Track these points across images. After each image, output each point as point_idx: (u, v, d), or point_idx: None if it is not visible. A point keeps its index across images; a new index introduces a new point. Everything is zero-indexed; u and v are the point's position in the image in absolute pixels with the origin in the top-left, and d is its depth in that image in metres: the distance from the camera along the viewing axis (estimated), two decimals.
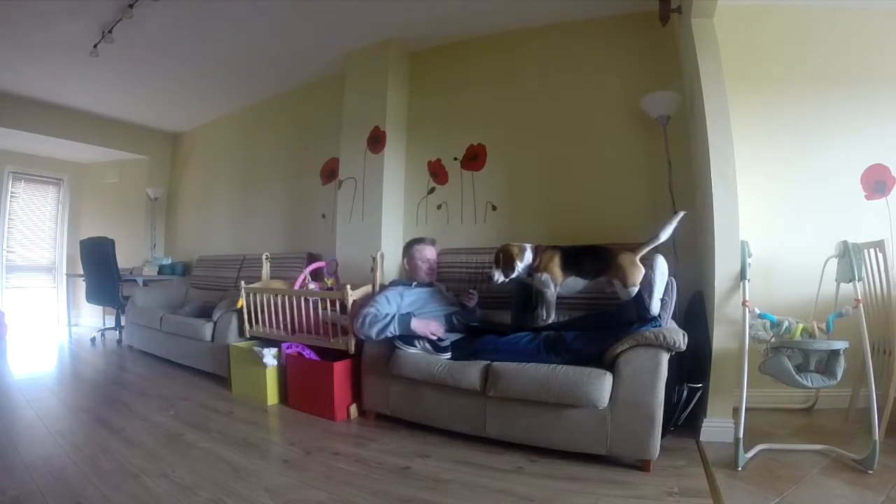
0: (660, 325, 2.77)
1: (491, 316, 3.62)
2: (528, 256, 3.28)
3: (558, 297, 3.26)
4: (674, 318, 3.00)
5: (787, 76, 3.61)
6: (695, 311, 3.18)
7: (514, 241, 3.43)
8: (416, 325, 3.15)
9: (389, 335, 3.15)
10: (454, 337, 3.29)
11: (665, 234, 3.10)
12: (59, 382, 4.19)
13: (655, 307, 2.80)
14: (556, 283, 3.21)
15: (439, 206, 4.45)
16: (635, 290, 2.96)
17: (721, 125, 3.09)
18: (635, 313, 2.84)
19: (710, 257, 3.07)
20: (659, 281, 2.80)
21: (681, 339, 2.67)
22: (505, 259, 3.26)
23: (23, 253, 7.24)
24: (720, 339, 3.02)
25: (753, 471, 2.63)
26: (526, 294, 3.36)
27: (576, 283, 3.22)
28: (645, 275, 2.88)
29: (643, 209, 3.72)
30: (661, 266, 2.82)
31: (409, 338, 3.15)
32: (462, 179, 4.40)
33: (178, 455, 2.82)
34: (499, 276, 3.27)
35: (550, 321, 3.19)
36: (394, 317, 3.17)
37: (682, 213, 3.14)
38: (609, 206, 3.85)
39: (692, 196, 3.53)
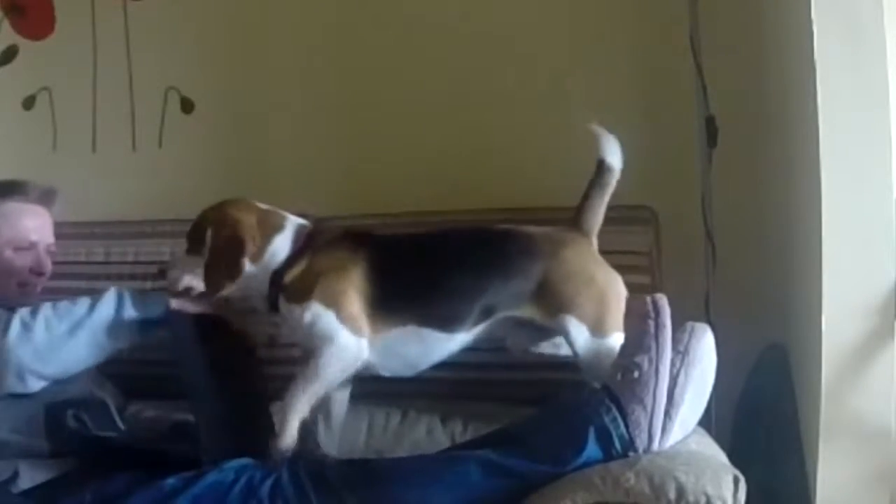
0: (649, 448, 1.18)
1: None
2: (284, 244, 1.31)
3: (371, 376, 1.33)
4: (704, 425, 1.36)
5: None
6: (763, 398, 1.59)
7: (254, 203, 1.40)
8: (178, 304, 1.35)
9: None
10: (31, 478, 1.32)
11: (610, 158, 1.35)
12: None
13: (656, 427, 1.17)
14: (356, 335, 1.26)
15: (31, 99, 2.03)
16: (619, 339, 1.27)
17: None
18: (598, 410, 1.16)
19: (807, 262, 1.52)
20: (693, 395, 1.21)
21: (724, 496, 1.02)
22: (211, 237, 1.30)
23: None
24: (839, 476, 1.41)
25: None
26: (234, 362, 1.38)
27: (423, 343, 1.31)
28: (635, 328, 1.23)
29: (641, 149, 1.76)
30: (705, 358, 1.22)
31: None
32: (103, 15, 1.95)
33: None
34: (181, 276, 1.31)
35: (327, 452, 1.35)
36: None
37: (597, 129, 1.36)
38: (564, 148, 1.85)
39: (751, 130, 1.89)
